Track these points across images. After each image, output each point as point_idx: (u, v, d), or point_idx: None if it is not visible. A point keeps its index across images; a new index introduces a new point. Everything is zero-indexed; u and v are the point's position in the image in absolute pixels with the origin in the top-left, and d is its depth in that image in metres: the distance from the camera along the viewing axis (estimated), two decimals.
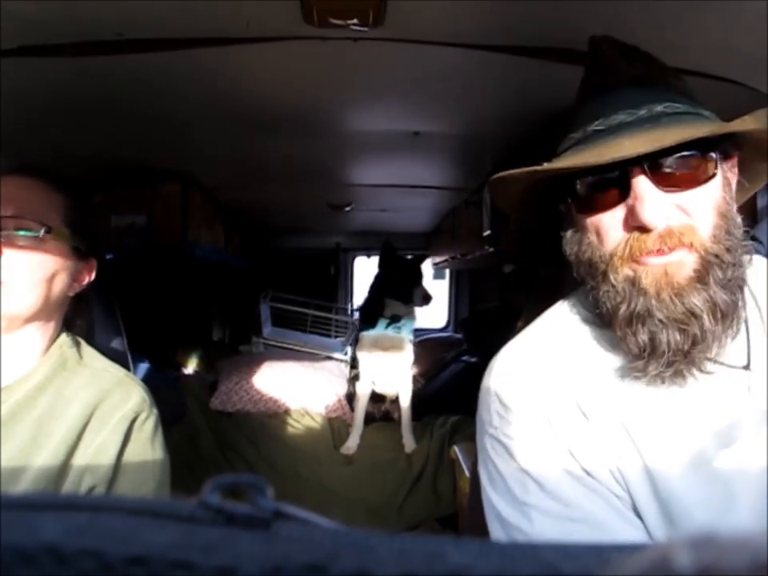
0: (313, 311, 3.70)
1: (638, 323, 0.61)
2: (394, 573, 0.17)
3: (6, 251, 0.77)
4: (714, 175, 0.62)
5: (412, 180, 2.23)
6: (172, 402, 2.46)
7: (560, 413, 0.67)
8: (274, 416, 2.62)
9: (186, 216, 2.06)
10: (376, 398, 2.67)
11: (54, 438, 0.80)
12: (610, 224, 0.63)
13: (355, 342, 2.74)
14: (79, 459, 0.81)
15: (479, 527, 0.77)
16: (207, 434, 2.52)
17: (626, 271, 0.62)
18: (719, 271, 0.60)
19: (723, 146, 0.64)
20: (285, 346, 3.45)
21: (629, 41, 0.94)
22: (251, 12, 0.87)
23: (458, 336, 3.74)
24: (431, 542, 0.18)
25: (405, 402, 2.57)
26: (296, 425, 2.58)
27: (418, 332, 3.75)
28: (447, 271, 4.06)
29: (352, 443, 2.48)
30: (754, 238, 0.72)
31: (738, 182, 0.68)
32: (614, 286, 0.63)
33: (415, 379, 2.95)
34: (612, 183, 0.62)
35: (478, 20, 0.90)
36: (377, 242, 2.70)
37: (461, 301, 4.06)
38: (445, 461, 2.36)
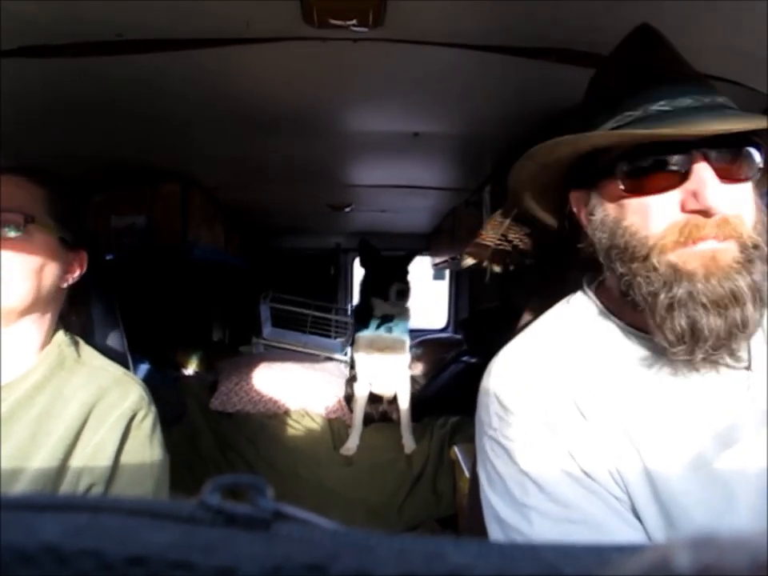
0: (313, 312, 3.70)
1: (679, 308, 0.60)
2: (393, 573, 0.17)
3: None
4: (759, 171, 0.63)
5: (412, 181, 2.23)
6: (172, 402, 2.46)
7: (559, 414, 0.67)
8: (274, 417, 2.62)
9: (186, 216, 2.06)
10: (374, 398, 2.67)
11: (53, 436, 0.80)
12: (661, 206, 0.62)
13: (352, 343, 2.74)
14: (78, 458, 0.81)
15: (479, 528, 0.77)
16: (207, 435, 2.52)
17: (672, 256, 0.61)
18: (759, 262, 0.61)
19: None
20: (285, 346, 3.45)
21: None
22: (251, 13, 0.87)
23: (458, 337, 3.74)
24: (431, 542, 0.18)
25: (404, 402, 2.57)
26: (296, 425, 2.58)
27: (418, 333, 3.76)
28: (447, 272, 4.06)
29: (352, 444, 2.48)
30: None
31: None
32: (656, 270, 0.62)
33: (414, 380, 2.95)
34: (672, 166, 0.61)
35: (478, 20, 0.90)
36: (377, 242, 2.69)
37: (461, 301, 4.06)
38: (445, 461, 2.36)
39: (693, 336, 0.60)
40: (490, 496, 0.70)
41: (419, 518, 2.34)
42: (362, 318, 2.63)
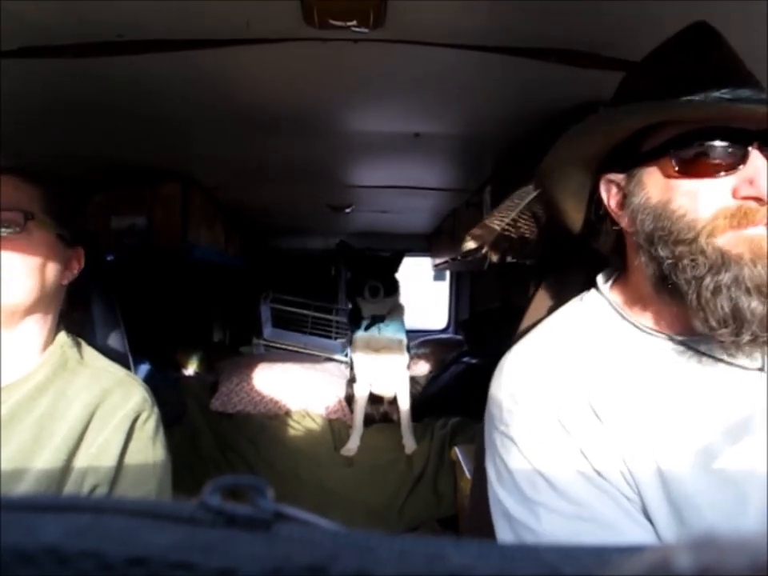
0: (313, 312, 3.71)
1: (726, 291, 0.61)
2: (394, 574, 0.17)
3: None
4: None
5: (412, 181, 2.23)
6: (172, 402, 2.46)
7: (572, 411, 0.67)
8: (275, 417, 2.62)
9: (186, 216, 2.06)
10: (375, 399, 2.67)
11: (56, 437, 0.80)
12: (712, 191, 0.62)
13: (350, 344, 2.74)
14: (81, 459, 0.81)
15: (480, 528, 0.77)
16: (207, 435, 2.52)
17: (720, 239, 0.61)
18: None
19: None
20: (285, 347, 3.45)
21: (628, 41, 0.94)
22: (251, 13, 0.87)
23: (459, 337, 3.74)
24: (432, 543, 0.18)
25: (404, 402, 2.57)
26: (296, 426, 2.58)
27: (418, 333, 3.76)
28: (447, 273, 4.06)
29: (352, 445, 2.48)
30: None
31: None
32: (703, 253, 0.62)
33: (414, 381, 2.95)
34: (729, 150, 0.62)
35: (478, 21, 0.90)
36: (378, 243, 2.70)
37: (461, 302, 4.06)
38: (445, 462, 2.36)
39: (735, 320, 0.61)
40: (499, 492, 0.69)
41: (420, 519, 2.34)
42: (353, 319, 2.64)
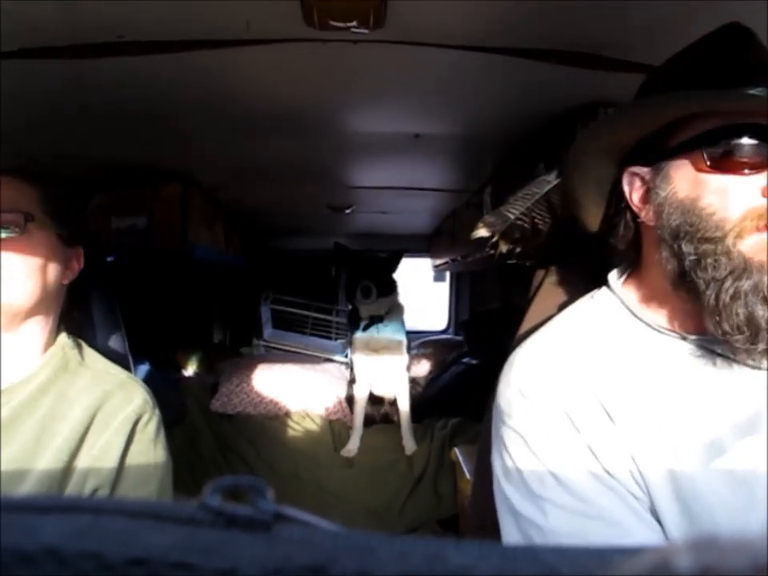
0: (313, 313, 3.71)
1: (744, 298, 0.60)
2: (394, 575, 0.17)
3: None
4: None
5: (413, 182, 2.23)
6: (172, 403, 2.46)
7: (581, 408, 0.67)
8: (275, 418, 2.62)
9: (186, 217, 2.06)
10: (375, 400, 2.67)
11: (57, 439, 0.80)
12: (742, 189, 0.62)
13: (350, 345, 2.74)
14: (83, 461, 0.82)
15: (480, 529, 0.77)
16: (208, 436, 2.52)
17: (746, 243, 0.61)
18: None
19: None
20: (285, 348, 3.45)
21: (628, 41, 0.94)
22: (251, 14, 0.87)
23: (459, 338, 3.74)
24: (432, 543, 0.18)
25: (403, 403, 2.57)
26: (296, 427, 2.58)
27: (418, 334, 3.76)
28: (447, 273, 4.06)
29: (352, 446, 2.48)
30: None
31: None
32: (728, 254, 0.61)
33: (414, 382, 2.95)
34: (762, 147, 0.61)
35: (479, 22, 0.90)
36: (378, 244, 2.70)
37: (461, 303, 4.06)
38: (445, 463, 2.36)
39: (749, 327, 0.60)
40: (505, 487, 0.69)
41: (420, 520, 2.34)
42: (352, 320, 2.64)
